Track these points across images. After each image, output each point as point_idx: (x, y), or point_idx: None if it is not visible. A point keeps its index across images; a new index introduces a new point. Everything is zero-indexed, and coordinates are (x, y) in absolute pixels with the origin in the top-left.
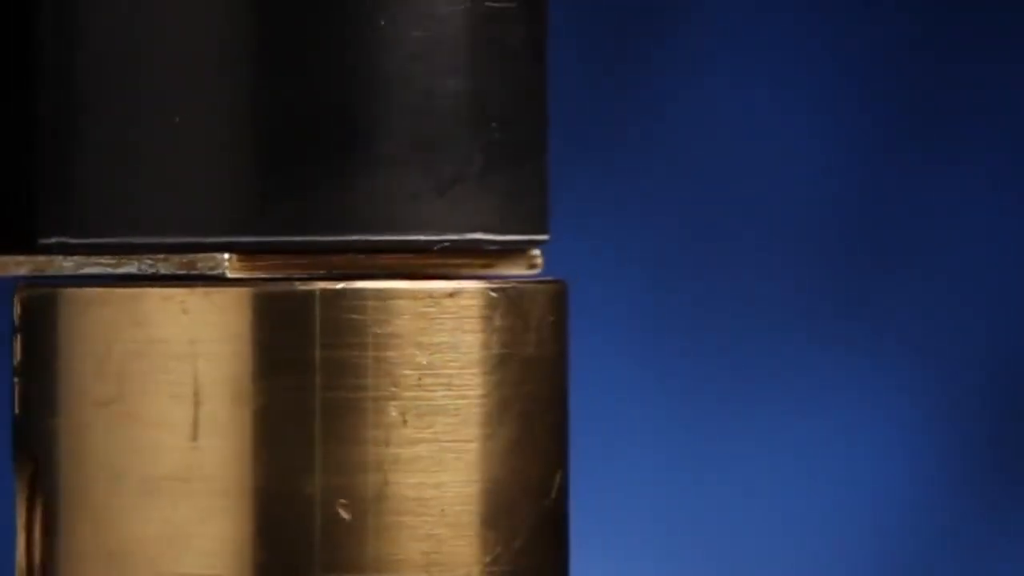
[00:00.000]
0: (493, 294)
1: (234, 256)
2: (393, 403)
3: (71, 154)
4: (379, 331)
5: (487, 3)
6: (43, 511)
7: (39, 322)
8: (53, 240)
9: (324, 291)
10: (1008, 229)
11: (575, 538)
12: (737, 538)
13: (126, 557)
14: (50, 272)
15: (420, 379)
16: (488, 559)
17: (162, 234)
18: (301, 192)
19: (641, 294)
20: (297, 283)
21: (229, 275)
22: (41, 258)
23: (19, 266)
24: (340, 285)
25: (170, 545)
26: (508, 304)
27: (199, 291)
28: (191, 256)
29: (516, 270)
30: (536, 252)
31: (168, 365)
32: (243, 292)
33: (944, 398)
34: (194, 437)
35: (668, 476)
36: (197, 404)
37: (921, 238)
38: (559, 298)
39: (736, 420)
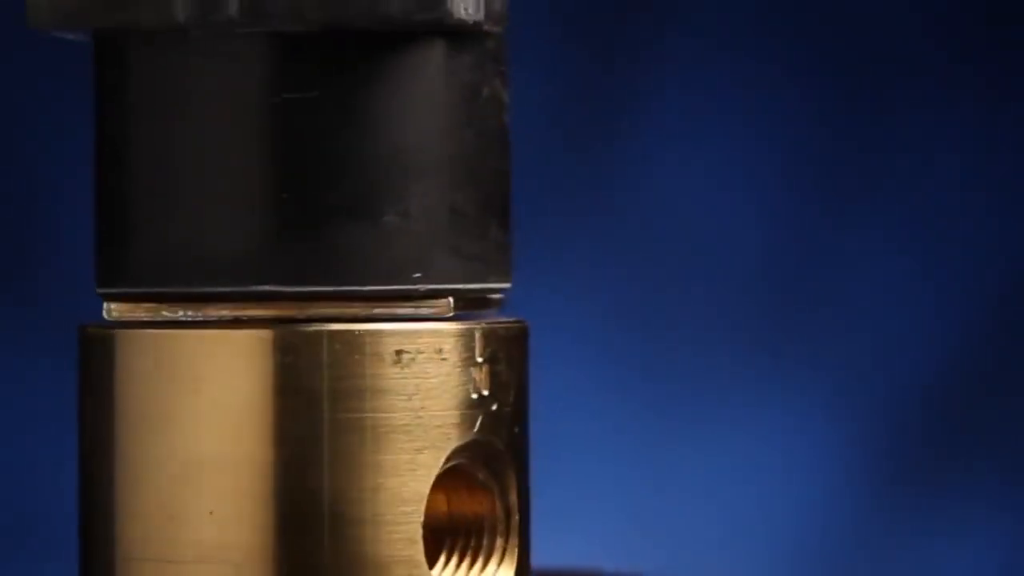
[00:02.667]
0: (471, 333)
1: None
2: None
3: (123, 219)
4: (375, 369)
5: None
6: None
7: (99, 355)
8: (108, 290)
9: (332, 332)
10: (903, 278)
11: (539, 531)
12: (678, 529)
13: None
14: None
15: (410, 398)
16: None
17: (200, 285)
18: (308, 249)
19: (604, 331)
20: (309, 324)
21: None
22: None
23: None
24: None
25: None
26: (484, 341)
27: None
28: (231, 303)
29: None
30: (449, 299)
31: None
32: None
33: (853, 419)
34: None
35: (623, 479)
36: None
37: (835, 288)
38: (523, 335)
39: (681, 434)
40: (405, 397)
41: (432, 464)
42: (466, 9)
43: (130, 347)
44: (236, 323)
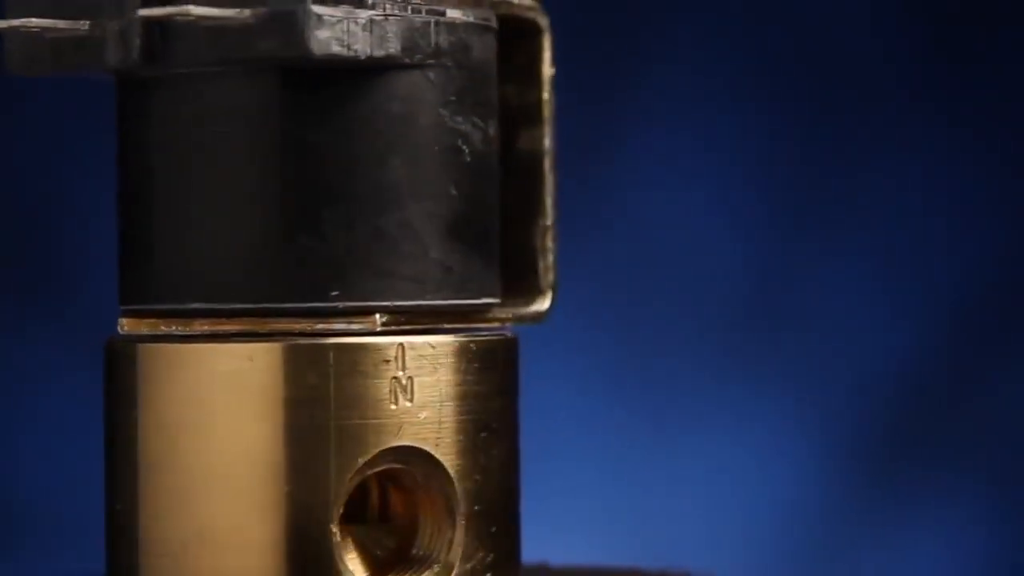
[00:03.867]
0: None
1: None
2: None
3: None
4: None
5: (452, 123)
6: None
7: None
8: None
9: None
10: (868, 296)
11: (534, 530)
12: (662, 526)
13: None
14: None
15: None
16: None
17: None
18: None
19: (593, 343)
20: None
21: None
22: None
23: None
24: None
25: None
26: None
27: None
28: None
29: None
30: (376, 316)
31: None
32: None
33: (822, 424)
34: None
35: (611, 481)
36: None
37: (805, 304)
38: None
39: (664, 439)
40: (324, 406)
41: (349, 468)
42: (349, 46)
43: (151, 358)
44: (244, 336)
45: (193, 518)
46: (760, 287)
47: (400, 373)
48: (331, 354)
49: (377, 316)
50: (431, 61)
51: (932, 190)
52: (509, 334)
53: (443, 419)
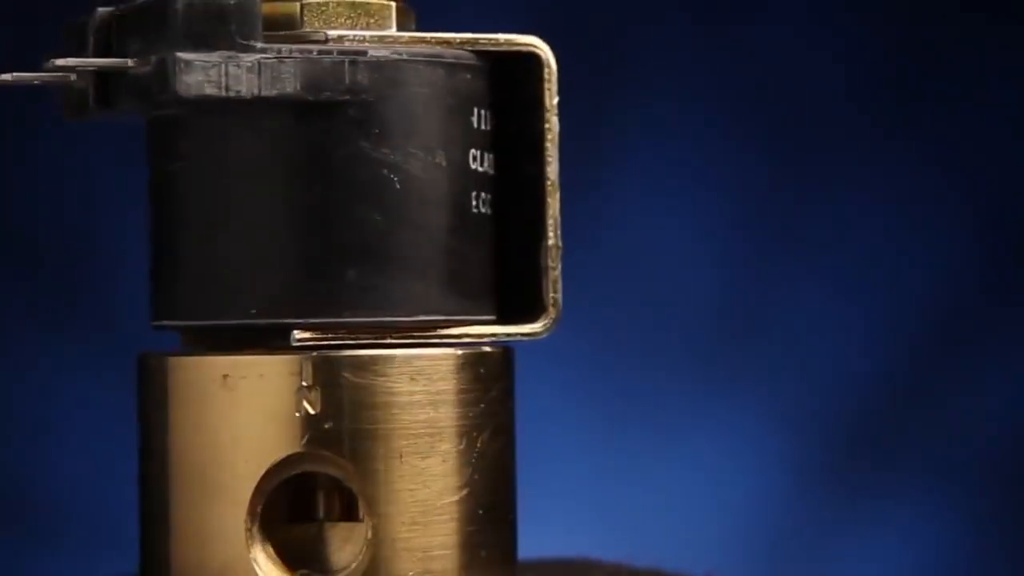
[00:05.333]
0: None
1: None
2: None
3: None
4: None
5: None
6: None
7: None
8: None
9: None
10: (833, 314)
11: (528, 528)
12: (645, 522)
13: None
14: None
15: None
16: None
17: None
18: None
19: (583, 356)
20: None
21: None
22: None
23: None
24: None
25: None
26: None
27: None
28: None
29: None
30: (293, 332)
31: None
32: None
33: (791, 430)
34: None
35: (598, 481)
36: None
37: (777, 321)
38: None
39: (648, 443)
40: (229, 414)
41: (254, 474)
42: (227, 87)
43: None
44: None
45: (204, 516)
46: (736, 303)
47: (306, 385)
48: (232, 368)
49: (295, 332)
50: (346, 97)
51: (892, 214)
52: (454, 349)
53: (350, 427)
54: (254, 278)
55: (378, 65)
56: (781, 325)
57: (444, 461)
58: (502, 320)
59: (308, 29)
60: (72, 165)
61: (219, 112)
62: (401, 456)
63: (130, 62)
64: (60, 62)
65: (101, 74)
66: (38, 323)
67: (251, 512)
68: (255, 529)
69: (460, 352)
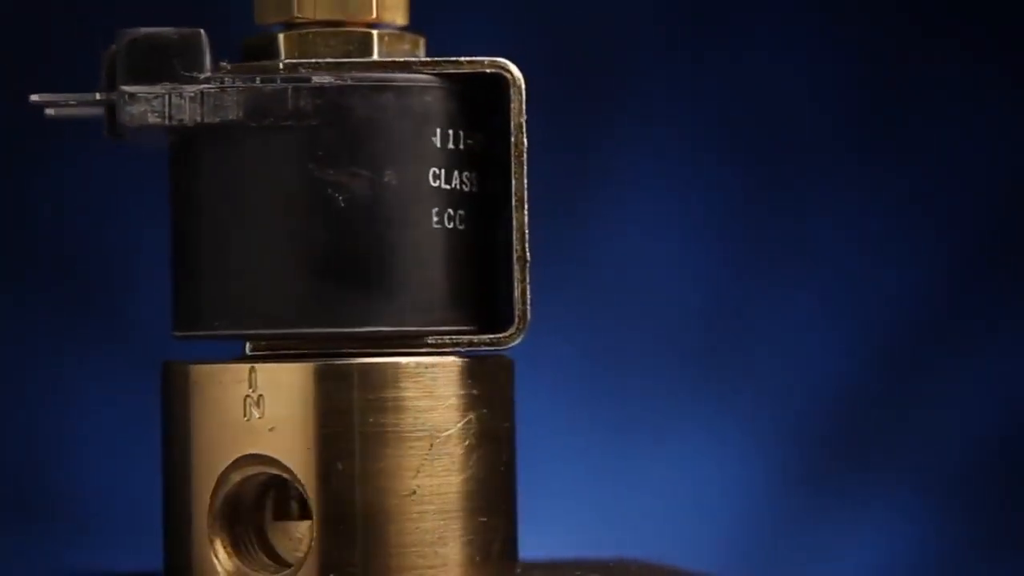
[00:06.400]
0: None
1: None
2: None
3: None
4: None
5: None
6: None
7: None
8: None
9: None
10: (810, 321)
11: (523, 526)
12: (634, 521)
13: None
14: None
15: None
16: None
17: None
18: (291, 302)
19: (574, 363)
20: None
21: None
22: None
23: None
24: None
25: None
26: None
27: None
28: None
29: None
30: (245, 343)
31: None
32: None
33: (772, 433)
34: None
35: (590, 482)
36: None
37: (757, 328)
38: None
39: (636, 446)
40: (196, 418)
41: (213, 473)
42: (171, 117)
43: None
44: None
45: (180, 513)
46: (721, 313)
47: (251, 392)
48: (192, 374)
49: (247, 344)
50: (289, 123)
51: (865, 228)
52: (388, 359)
53: (293, 432)
54: (221, 294)
55: (321, 91)
56: (763, 334)
57: (364, 465)
58: (472, 330)
59: (285, 59)
60: (95, 182)
61: (205, 138)
62: (339, 459)
63: (97, 96)
64: (35, 98)
65: (108, 105)
66: (63, 332)
67: (211, 511)
68: (216, 527)
69: (404, 361)
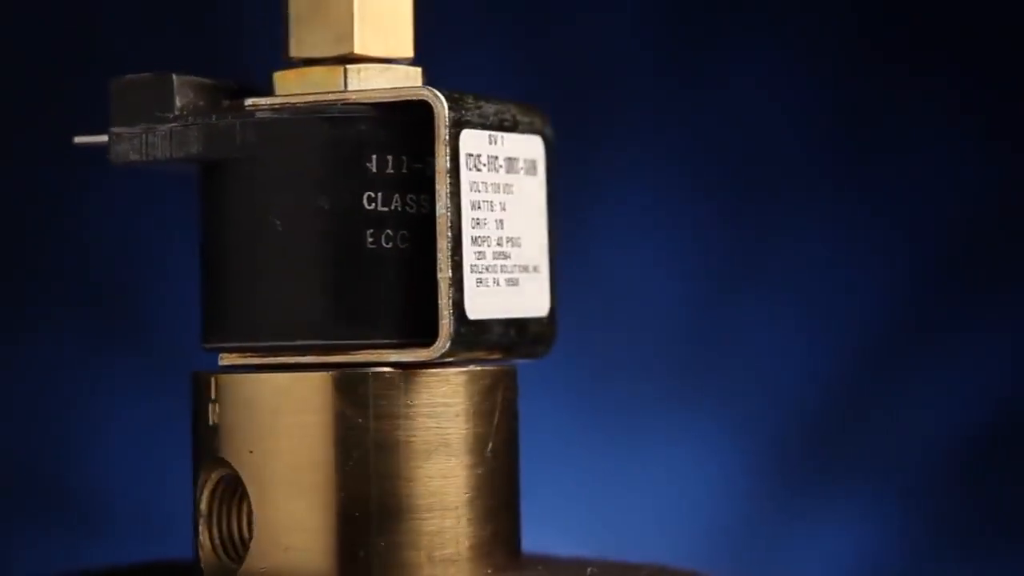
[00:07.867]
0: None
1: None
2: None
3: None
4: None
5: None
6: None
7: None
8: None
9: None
10: (785, 334)
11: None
12: (621, 518)
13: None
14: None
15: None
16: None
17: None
18: (241, 317)
19: (566, 372)
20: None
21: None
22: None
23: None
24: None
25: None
26: (215, 385)
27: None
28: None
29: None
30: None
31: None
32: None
33: (749, 438)
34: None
35: (580, 482)
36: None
37: (736, 341)
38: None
39: (623, 449)
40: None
41: (197, 473)
42: (147, 153)
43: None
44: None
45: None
46: (702, 328)
47: (212, 399)
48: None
49: (220, 356)
50: (238, 155)
51: (835, 250)
52: (326, 372)
53: (245, 435)
54: (206, 310)
55: (263, 124)
56: (742, 347)
57: (311, 463)
58: (401, 344)
59: (278, 94)
60: (121, 204)
61: (208, 169)
62: (273, 459)
63: (106, 136)
64: (79, 140)
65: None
66: (90, 342)
67: (196, 507)
68: (201, 521)
69: (333, 374)
